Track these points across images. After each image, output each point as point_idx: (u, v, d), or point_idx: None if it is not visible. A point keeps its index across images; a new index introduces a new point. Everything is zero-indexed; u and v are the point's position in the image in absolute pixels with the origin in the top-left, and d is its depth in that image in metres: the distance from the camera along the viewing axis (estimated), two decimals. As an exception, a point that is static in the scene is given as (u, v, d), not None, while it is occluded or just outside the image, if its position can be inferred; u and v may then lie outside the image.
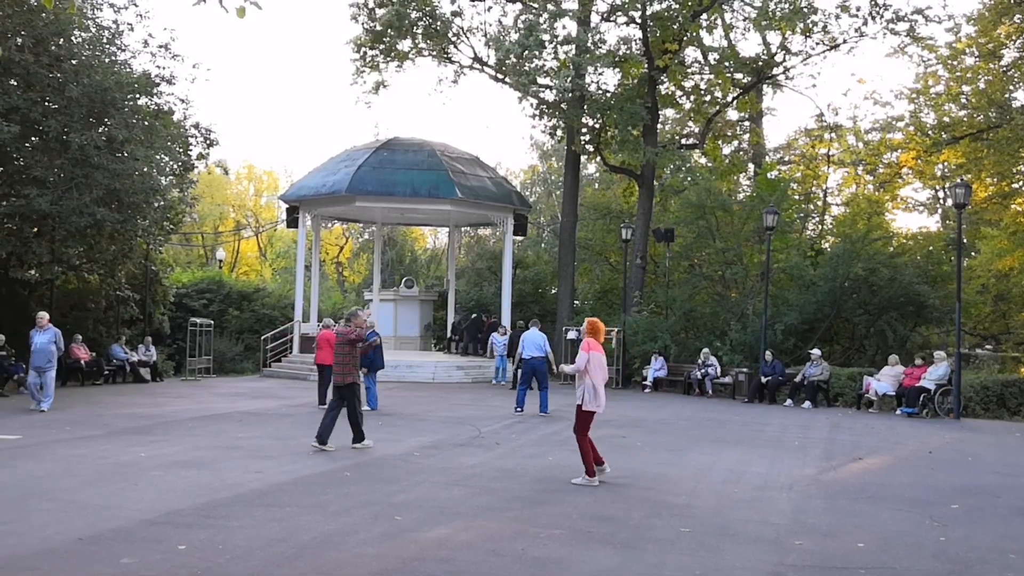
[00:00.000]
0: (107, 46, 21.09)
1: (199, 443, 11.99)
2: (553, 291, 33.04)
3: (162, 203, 22.61)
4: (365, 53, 28.01)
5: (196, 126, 23.43)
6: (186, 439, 12.39)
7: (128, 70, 21.27)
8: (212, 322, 27.22)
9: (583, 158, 30.79)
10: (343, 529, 7.15)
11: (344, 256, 53.51)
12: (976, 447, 13.67)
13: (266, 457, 10.85)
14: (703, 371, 22.71)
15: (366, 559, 6.28)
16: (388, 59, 27.95)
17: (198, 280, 33.24)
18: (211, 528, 7.07)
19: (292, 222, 28.37)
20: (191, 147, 23.44)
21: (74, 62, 20.05)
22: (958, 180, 21.86)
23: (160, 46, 22.06)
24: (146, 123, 21.17)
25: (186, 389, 21.67)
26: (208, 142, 23.74)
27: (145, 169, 20.90)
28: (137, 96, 21.17)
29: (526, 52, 24.87)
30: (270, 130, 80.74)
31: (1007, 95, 23.65)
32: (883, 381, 19.42)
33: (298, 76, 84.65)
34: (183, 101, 23.25)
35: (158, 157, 21.88)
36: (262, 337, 28.30)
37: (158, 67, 21.96)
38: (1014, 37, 24.76)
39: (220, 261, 42.14)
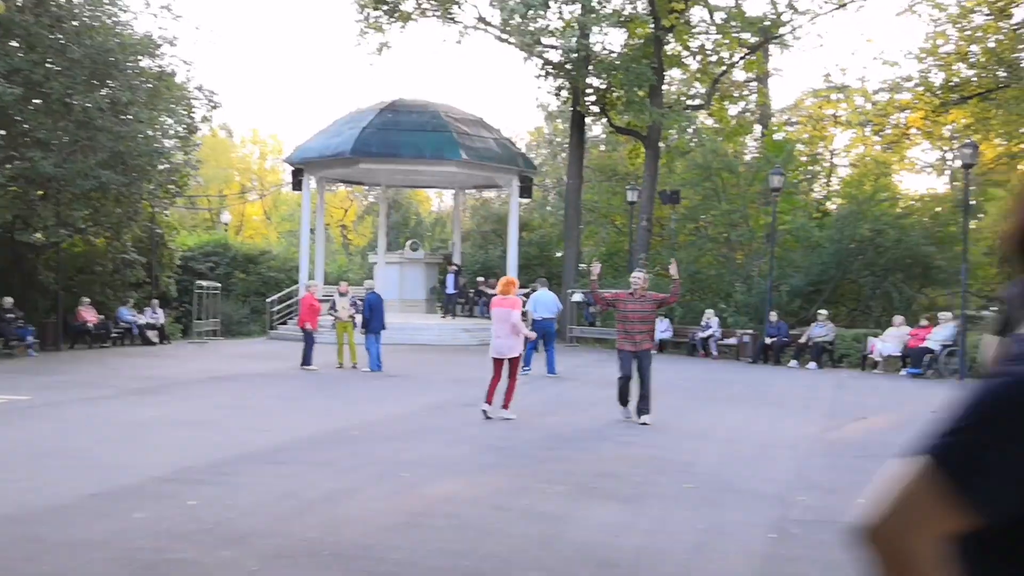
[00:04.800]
0: (108, 6, 20.95)
1: (207, 403, 12.10)
2: (559, 254, 33.02)
3: (167, 166, 22.59)
4: (368, 14, 27.76)
5: (200, 88, 23.36)
6: (194, 399, 12.50)
7: (130, 31, 21.16)
8: (218, 285, 27.30)
9: (588, 119, 30.59)
10: (351, 486, 7.24)
11: (349, 219, 53.48)
12: (980, 406, 13.70)
13: (273, 417, 10.96)
14: (706, 332, 22.77)
15: (373, 514, 6.37)
16: (391, 20, 27.69)
17: (204, 243, 33.27)
18: (221, 485, 7.17)
19: (297, 185, 28.32)
20: (195, 110, 23.37)
21: (75, 23, 19.93)
22: (966, 140, 21.73)
23: (162, 7, 21.93)
24: (149, 85, 21.09)
25: (193, 351, 21.81)
26: (212, 104, 23.66)
27: (149, 132, 20.86)
28: (139, 58, 21.07)
29: (530, 11, 24.63)
30: (275, 93, 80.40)
31: (1016, 54, 23.39)
32: (888, 342, 19.46)
33: (302, 38, 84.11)
34: (186, 63, 23.26)
35: (162, 119, 21.82)
36: (268, 300, 28.38)
37: (160, 28, 22.01)
38: (1025, -5, 24.45)
39: (226, 224, 42.11)
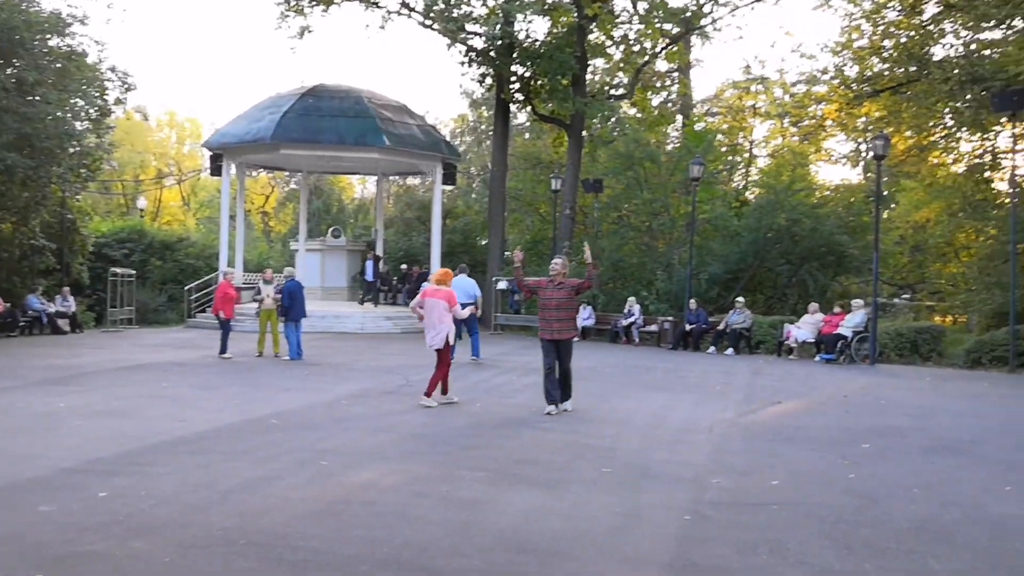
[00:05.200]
0: (14, -18, 20.19)
1: (121, 393, 11.80)
2: (483, 242, 33.03)
3: (77, 149, 21.91)
4: (290, -3, 27.27)
5: (113, 69, 22.69)
6: (108, 389, 12.17)
7: (36, 8, 20.40)
8: (134, 272, 26.61)
9: (513, 107, 30.63)
10: (269, 475, 7.15)
11: (270, 205, 52.62)
12: (889, 391, 14.19)
13: (191, 406, 10.74)
14: (628, 319, 23.08)
15: (291, 503, 6.30)
16: (313, 3, 27.26)
17: (118, 229, 32.38)
18: (134, 475, 7.00)
19: (216, 170, 27.75)
20: (108, 91, 22.70)
21: (-22, -1, 19.18)
22: (878, 133, 22.36)
23: (72, -16, 21.21)
24: (58, 65, 20.41)
25: (107, 340, 21.22)
26: (126, 86, 23.02)
27: (58, 113, 20.18)
28: (47, 36, 20.35)
29: (454, -2, 24.54)
30: (192, 76, 78.45)
31: (925, 50, 24.13)
32: (803, 329, 19.98)
33: (221, 20, 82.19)
34: (98, 43, 22.55)
35: (72, 101, 21.13)
36: (186, 287, 27.79)
37: (70, 6, 21.29)
38: (934, -8, 25.22)
39: (141, 210, 41.06)
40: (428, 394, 11.14)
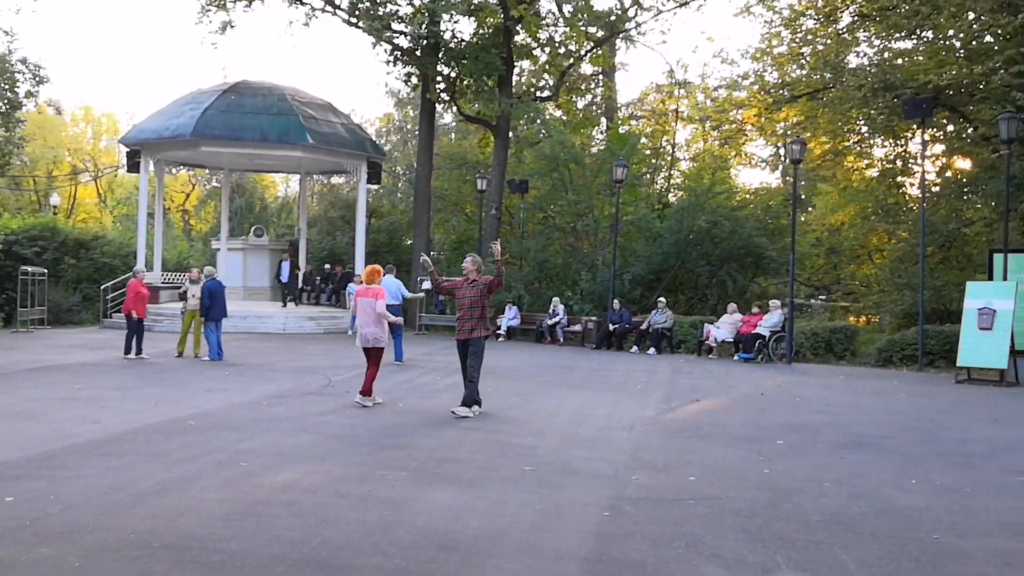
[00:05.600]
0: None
1: (32, 394, 11.44)
2: (409, 241, 32.90)
3: (-14, 143, 21.17)
4: (211, -10, 26.75)
5: (23, 61, 21.99)
6: (17, 391, 11.79)
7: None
8: (46, 271, 25.78)
9: (439, 107, 30.58)
10: (185, 476, 7.02)
11: (190, 204, 51.55)
12: (804, 389, 14.57)
13: (105, 408, 10.48)
14: (553, 319, 23.25)
15: (209, 504, 6.20)
16: (236, -2, 26.80)
17: (29, 226, 31.26)
18: (43, 479, 6.80)
19: (133, 167, 27.09)
20: (18, 84, 21.99)
21: None
22: (795, 137, 22.94)
23: (-19, -27, 20.48)
24: (-35, 56, 19.70)
25: (17, 341, 20.54)
26: (37, 79, 22.34)
27: (-34, 106, 19.48)
28: (-45, 26, 19.63)
29: (380, -4, 24.39)
30: (110, 71, 76.38)
31: (841, 58, 24.83)
32: (722, 328, 20.38)
33: (141, 13, 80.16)
34: (7, 34, 21.75)
35: (-20, 94, 20.42)
36: (102, 287, 27.04)
37: (-21, -4, 20.40)
38: (848, 2, 25.96)
39: (55, 207, 39.76)
40: (364, 393, 11.12)
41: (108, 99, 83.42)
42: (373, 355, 11.23)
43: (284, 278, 27.57)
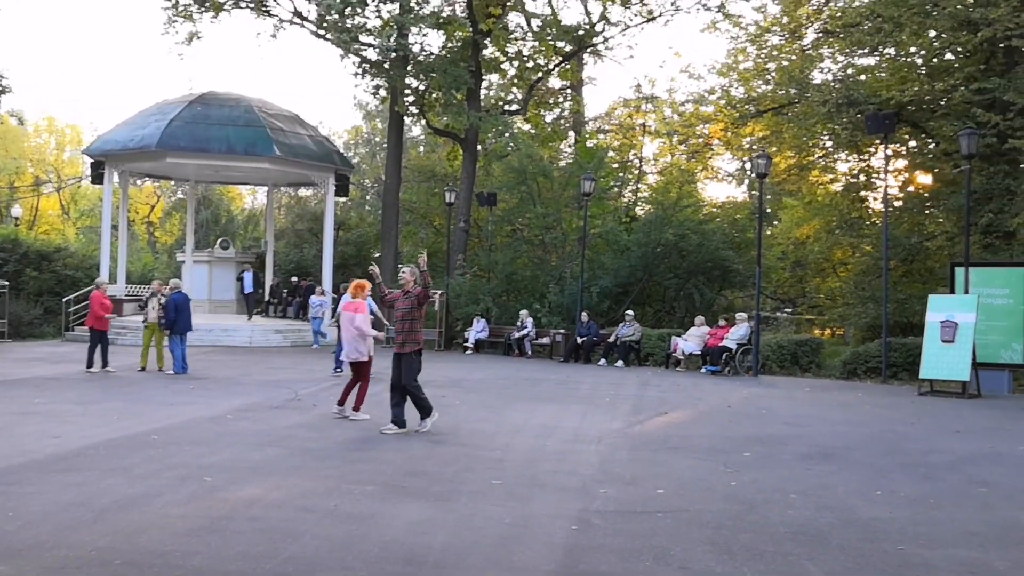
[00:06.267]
0: None
1: (6, 407, 11.23)
2: (377, 254, 32.76)
3: (-53, 153, 20.81)
4: (177, 1, 26.58)
5: (-14, 71, 21.66)
6: (-21, 405, 11.56)
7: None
8: (7, 283, 25.38)
9: (407, 120, 30.58)
10: (148, 492, 6.91)
11: (156, 215, 51.00)
12: (770, 401, 14.68)
13: (66, 422, 10.31)
14: (521, 332, 23.24)
15: (172, 520, 6.11)
16: (203, 9, 26.61)
17: (-9, 238, 30.82)
18: (1, 495, 6.67)
19: (97, 178, 26.74)
20: (-20, 93, 21.68)
21: None
22: (761, 152, 23.19)
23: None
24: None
25: (-23, 354, 20.16)
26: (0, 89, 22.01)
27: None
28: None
29: (348, 8, 24.34)
30: (74, 81, 75.55)
31: (806, 74, 25.16)
32: (690, 341, 20.48)
33: (105, 23, 79.43)
34: (-30, 43, 21.43)
35: (-59, 103, 20.09)
36: (64, 299, 26.66)
37: (-60, 4, 20.09)
38: (813, 19, 26.34)
39: (16, 218, 39.16)
40: (357, 408, 11.13)
41: (72, 110, 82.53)
42: (356, 369, 11.20)
43: (247, 289, 27.23)
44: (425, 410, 10.33)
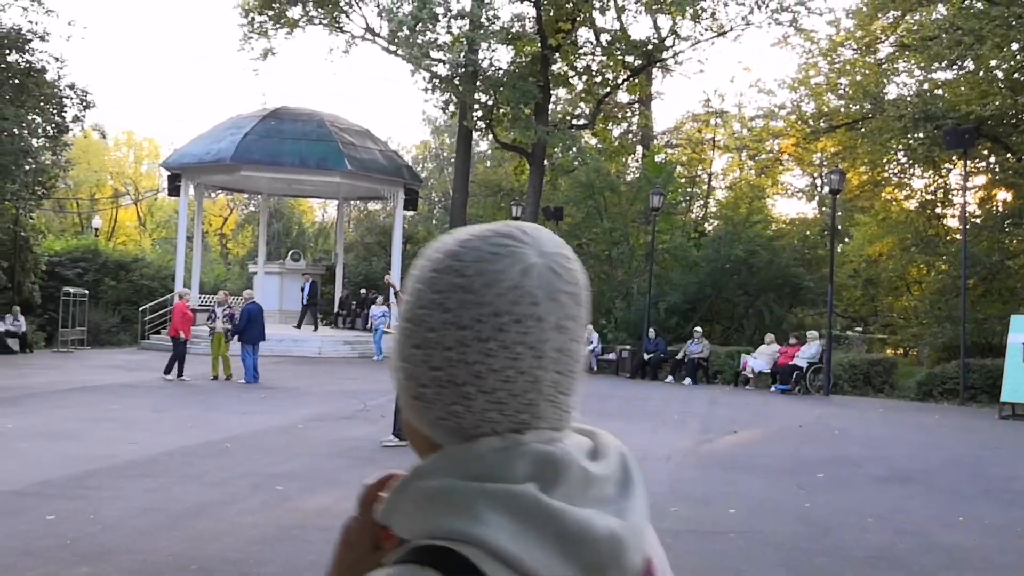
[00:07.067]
0: (-27, -2, 19.94)
1: (70, 414, 11.55)
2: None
3: (33, 166, 21.56)
4: (253, 19, 27.20)
5: (71, 87, 22.39)
6: (56, 410, 11.91)
7: (-3, 24, 20.16)
8: (87, 292, 26.16)
9: (475, 135, 30.76)
10: (221, 499, 7.02)
11: (228, 227, 52.14)
12: (843, 421, 14.34)
13: (142, 428, 10.55)
14: (587, 348, 23.10)
15: (244, 527, 6.19)
16: (277, 26, 27.21)
17: (72, 248, 31.82)
18: (81, 499, 6.84)
19: (174, 190, 27.44)
20: (66, 109, 22.39)
21: (-64, 13, 18.90)
22: (834, 168, 22.79)
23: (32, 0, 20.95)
24: (16, 81, 20.13)
25: (57, 360, 20.81)
26: (84, 104, 22.72)
27: (15, 130, 19.86)
28: (7, 52, 20.07)
29: (419, 24, 24.63)
30: (152, 96, 77.84)
31: (880, 88, 24.68)
32: (759, 359, 20.15)
33: (182, 40, 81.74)
34: (57, 60, 22.10)
35: (30, 117, 20.81)
36: (140, 308, 27.37)
37: (30, 22, 20.89)
38: (888, 33, 25.84)
39: (96, 229, 40.39)
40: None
41: (150, 124, 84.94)
42: None
43: (307, 299, 27.50)
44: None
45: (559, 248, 0.93)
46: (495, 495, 0.82)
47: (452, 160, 34.95)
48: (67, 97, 22.29)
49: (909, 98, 23.29)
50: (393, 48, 26.76)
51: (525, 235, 0.91)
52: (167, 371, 16.52)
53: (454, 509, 0.82)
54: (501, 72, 27.34)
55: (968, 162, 20.64)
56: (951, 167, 24.42)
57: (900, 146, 24.69)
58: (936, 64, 23.10)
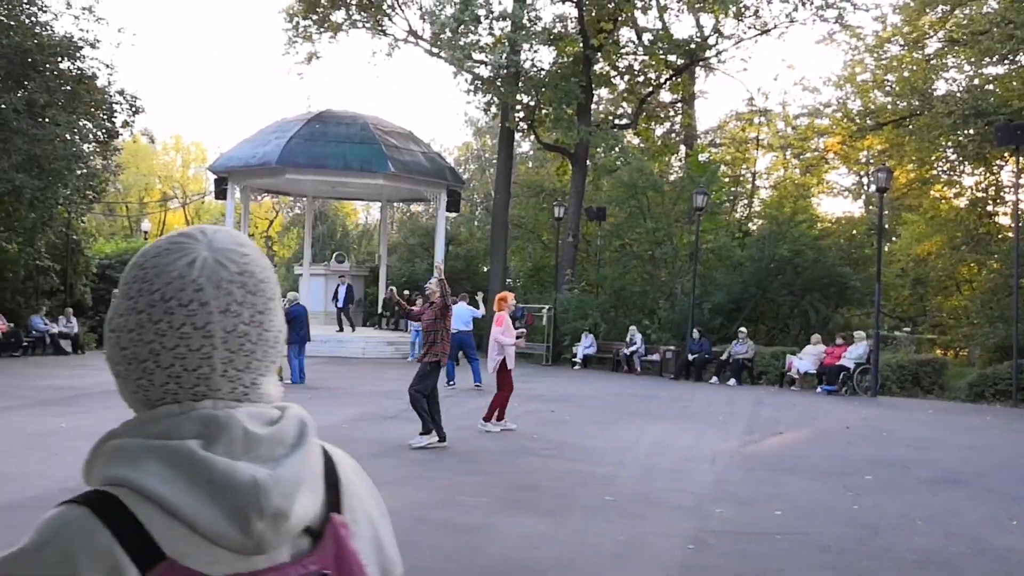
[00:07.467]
0: (27, 6, 20.36)
1: (122, 414, 11.68)
2: (486, 268, 33.07)
3: (84, 171, 21.99)
4: (298, 23, 27.55)
5: (121, 92, 22.79)
6: (109, 410, 12.10)
7: (49, 32, 20.58)
8: (137, 294, 26.63)
9: (517, 135, 30.80)
10: (269, 497, 7.11)
11: (274, 230, 52.77)
12: (891, 423, 14.14)
13: (191, 428, 10.70)
14: (631, 348, 23.04)
15: (291, 526, 6.26)
16: (321, 30, 27.54)
17: (122, 251, 32.37)
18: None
19: (220, 194, 27.83)
20: (115, 114, 22.80)
21: (-8, 22, 19.36)
22: (881, 165, 22.46)
23: (84, 8, 21.38)
24: (68, 88, 20.54)
25: (109, 361, 21.19)
26: (133, 109, 23.10)
27: (67, 135, 20.29)
28: (59, 59, 20.51)
29: (461, 26, 24.76)
30: (198, 100, 79.03)
31: (928, 84, 24.30)
32: (805, 360, 19.93)
33: (228, 45, 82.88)
34: (107, 66, 22.52)
35: (81, 123, 21.24)
36: (189, 310, 27.79)
37: (81, 30, 21.30)
38: (936, 28, 25.44)
39: (145, 232, 41.08)
40: (487, 418, 11.30)
41: (197, 128, 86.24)
42: (497, 379, 11.43)
43: (341, 302, 27.62)
44: (425, 426, 9.95)
45: (233, 245, 1.07)
46: (158, 449, 0.99)
47: (494, 161, 35.04)
48: (117, 103, 22.68)
49: (959, 94, 22.89)
50: (435, 50, 26.92)
51: (202, 234, 1.07)
52: None
53: (121, 461, 1.00)
54: (543, 73, 27.37)
55: (1021, 158, 20.20)
56: (1003, 163, 23.95)
57: (949, 143, 24.28)
58: (987, 59, 22.68)
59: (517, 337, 11.87)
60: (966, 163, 25.47)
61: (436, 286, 10.27)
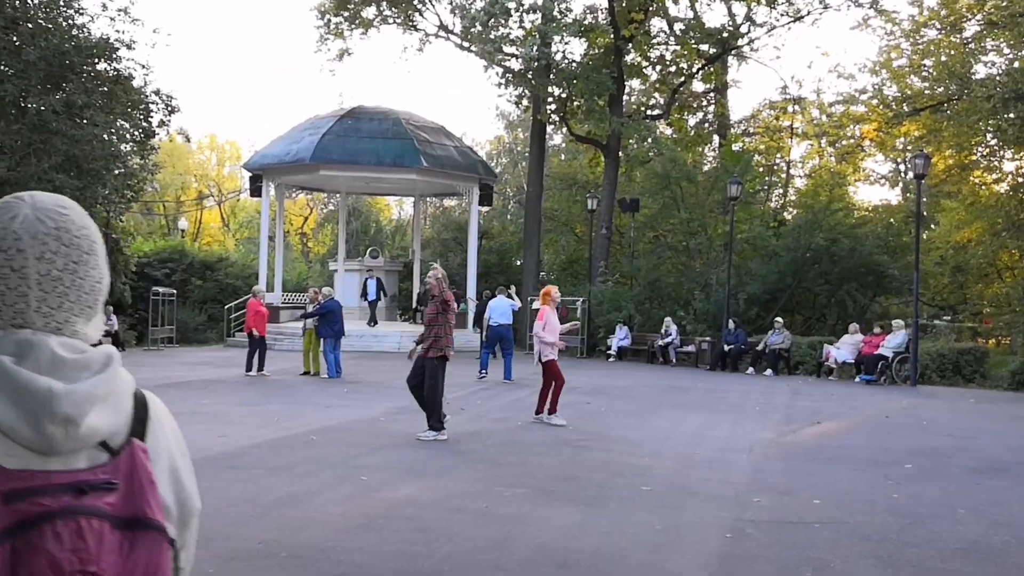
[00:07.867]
0: (64, 8, 20.64)
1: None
2: (519, 262, 33.10)
3: (122, 170, 22.25)
4: (329, 20, 27.69)
5: (157, 92, 22.99)
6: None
7: (86, 34, 20.84)
8: (175, 292, 26.97)
9: (549, 128, 30.77)
10: (308, 489, 7.19)
11: (308, 226, 53.17)
12: (931, 412, 13.98)
13: (231, 422, 10.84)
14: (666, 340, 22.95)
15: (332, 517, 6.33)
16: (352, 26, 27.66)
17: (160, 249, 32.86)
18: (176, 489, 7.06)
19: (255, 191, 28.10)
20: (152, 114, 23.03)
21: (30, 25, 19.61)
22: (918, 152, 22.15)
23: (119, 10, 21.61)
24: (105, 89, 20.79)
25: (148, 358, 21.51)
26: (169, 109, 23.30)
27: (105, 136, 20.55)
28: (96, 61, 20.77)
29: (491, 20, 24.77)
30: (232, 99, 79.72)
31: (967, 68, 23.91)
32: (843, 349, 19.74)
33: (260, 43, 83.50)
34: (143, 67, 22.73)
35: (118, 123, 21.50)
36: (226, 307, 28.10)
37: (117, 31, 21.57)
38: (975, 10, 25.02)
39: (182, 231, 41.62)
40: (552, 411, 11.18)
41: (231, 126, 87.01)
42: (543, 370, 11.31)
43: (371, 296, 27.75)
44: (433, 424, 9.85)
45: (53, 205, 1.28)
46: None
47: (526, 155, 35.01)
48: (153, 103, 22.91)
49: (998, 77, 22.49)
50: (466, 44, 26.95)
51: (30, 197, 1.29)
52: (248, 368, 16.91)
53: None
54: (574, 65, 27.31)
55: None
56: (1045, 148, 23.52)
57: (989, 127, 23.87)
58: (1027, 41, 22.28)
59: (563, 333, 11.84)
60: (1006, 148, 25.03)
61: (435, 281, 10.16)
